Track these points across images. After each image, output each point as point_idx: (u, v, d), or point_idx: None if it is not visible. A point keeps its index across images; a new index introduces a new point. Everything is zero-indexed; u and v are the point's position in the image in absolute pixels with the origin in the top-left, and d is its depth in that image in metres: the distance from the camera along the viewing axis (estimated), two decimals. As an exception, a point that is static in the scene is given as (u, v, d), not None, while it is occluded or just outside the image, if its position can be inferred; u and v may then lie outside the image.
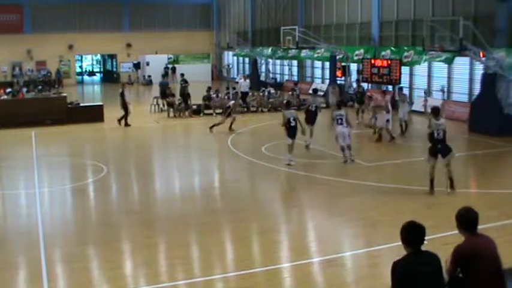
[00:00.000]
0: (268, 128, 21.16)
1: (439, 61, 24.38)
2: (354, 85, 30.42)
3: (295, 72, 39.23)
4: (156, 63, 45.68)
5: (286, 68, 40.86)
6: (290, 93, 28.54)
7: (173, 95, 26.86)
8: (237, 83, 33.68)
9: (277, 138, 17.84)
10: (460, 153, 16.39)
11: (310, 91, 28.18)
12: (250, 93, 28.63)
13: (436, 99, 25.40)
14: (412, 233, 4.99)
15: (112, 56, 50.08)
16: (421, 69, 26.40)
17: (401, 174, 14.77)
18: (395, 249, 7.85)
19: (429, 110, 13.56)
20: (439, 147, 12.23)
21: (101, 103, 26.85)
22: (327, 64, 32.32)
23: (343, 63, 30.09)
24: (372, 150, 17.92)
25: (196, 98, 26.82)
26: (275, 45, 37.42)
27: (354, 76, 30.76)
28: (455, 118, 23.20)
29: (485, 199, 11.82)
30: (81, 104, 26.10)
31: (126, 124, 23.12)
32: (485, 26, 21.44)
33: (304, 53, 34.64)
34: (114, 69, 50.19)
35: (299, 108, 23.06)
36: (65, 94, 26.67)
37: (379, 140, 18.52)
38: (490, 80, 20.21)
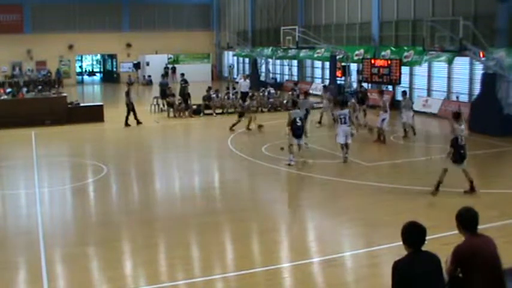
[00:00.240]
0: (268, 128, 21.15)
1: (439, 61, 24.37)
2: (354, 85, 30.49)
3: (295, 72, 39.23)
4: (156, 63, 45.69)
5: (286, 68, 40.87)
6: (290, 93, 28.52)
7: (173, 95, 26.85)
8: (237, 83, 33.67)
9: (278, 138, 17.85)
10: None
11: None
12: (250, 93, 28.59)
13: (436, 98, 25.46)
14: (413, 234, 5.00)
15: (112, 56, 50.08)
16: (421, 69, 26.38)
17: (401, 174, 14.77)
18: (395, 249, 7.86)
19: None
20: (461, 152, 12.07)
21: (101, 103, 26.84)
22: (327, 64, 32.32)
23: (343, 63, 30.09)
24: (372, 150, 17.91)
25: (196, 98, 26.82)
26: (275, 45, 37.43)
27: (354, 76, 30.77)
28: (455, 118, 23.16)
29: (485, 199, 11.81)
30: (81, 104, 26.09)
31: (127, 124, 23.08)
32: (485, 26, 21.43)
33: (303, 52, 34.63)
34: (114, 69, 50.21)
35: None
36: (65, 94, 26.66)
37: (378, 140, 18.51)
38: (490, 80, 20.21)
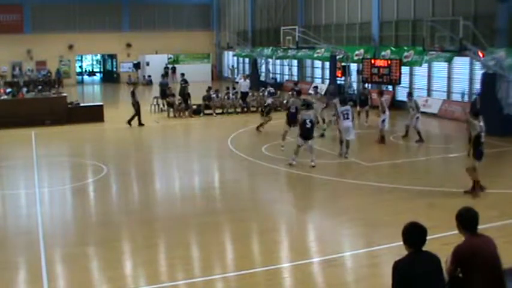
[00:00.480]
0: (268, 128, 21.14)
1: (440, 60, 24.36)
2: (354, 85, 30.48)
3: (295, 72, 39.23)
4: (156, 63, 45.71)
5: (286, 68, 40.87)
6: (290, 93, 28.48)
7: (173, 95, 26.85)
8: (237, 83, 33.67)
9: (278, 138, 17.84)
10: (460, 153, 16.39)
11: (311, 91, 28.14)
12: (250, 93, 28.62)
13: (436, 98, 25.46)
14: (414, 234, 5.01)
15: (112, 56, 50.08)
16: (421, 69, 26.37)
17: (401, 174, 14.77)
18: (395, 249, 7.87)
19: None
20: (482, 150, 12.00)
21: (101, 103, 26.83)
22: (327, 64, 32.32)
23: (343, 63, 30.08)
24: (372, 150, 17.91)
25: (196, 98, 26.82)
26: (275, 45, 37.42)
27: (354, 76, 30.77)
28: (455, 118, 23.21)
29: (485, 199, 11.80)
30: (81, 104, 26.07)
31: (129, 123, 23.04)
32: (485, 26, 21.44)
33: (303, 52, 34.59)
34: (114, 69, 50.22)
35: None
36: (65, 94, 26.65)
37: (380, 141, 18.45)
38: (490, 80, 20.21)
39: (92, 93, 43.99)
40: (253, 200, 12.98)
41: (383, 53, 28.15)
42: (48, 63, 45.42)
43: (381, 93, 19.70)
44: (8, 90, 27.49)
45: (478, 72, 22.27)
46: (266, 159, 16.32)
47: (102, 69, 55.53)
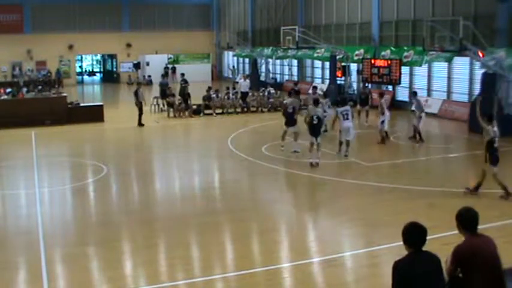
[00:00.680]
0: (268, 128, 21.14)
1: (440, 60, 24.36)
2: (354, 85, 30.49)
3: (295, 72, 39.22)
4: (156, 63, 45.70)
5: (286, 68, 40.86)
6: (311, 91, 28.38)
7: (173, 95, 26.85)
8: (237, 83, 33.68)
9: (278, 138, 17.83)
10: (460, 153, 16.43)
11: (310, 91, 28.13)
12: (250, 93, 28.62)
13: (436, 99, 25.45)
14: (414, 234, 5.01)
15: (112, 56, 50.09)
16: (421, 69, 26.37)
17: (401, 174, 14.77)
18: (395, 249, 7.87)
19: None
20: (496, 154, 11.95)
21: (101, 103, 26.83)
22: (327, 64, 32.31)
23: (343, 63, 30.08)
24: (372, 150, 17.91)
25: (196, 98, 26.81)
26: (275, 45, 37.41)
27: (354, 76, 30.76)
28: (455, 118, 23.21)
29: (485, 199, 11.81)
30: (81, 104, 26.09)
31: (140, 123, 23.06)
32: (485, 26, 21.44)
33: (303, 52, 34.59)
34: (114, 69, 50.22)
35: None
36: (65, 94, 26.65)
37: (382, 141, 18.41)
38: (490, 80, 20.20)
39: (92, 93, 43.99)
40: (253, 200, 12.98)
41: (383, 53, 28.16)
42: (48, 63, 45.43)
43: (381, 95, 19.67)
44: (8, 90, 27.47)
45: (478, 72, 22.26)
46: (266, 159, 16.31)
47: (102, 69, 55.53)
